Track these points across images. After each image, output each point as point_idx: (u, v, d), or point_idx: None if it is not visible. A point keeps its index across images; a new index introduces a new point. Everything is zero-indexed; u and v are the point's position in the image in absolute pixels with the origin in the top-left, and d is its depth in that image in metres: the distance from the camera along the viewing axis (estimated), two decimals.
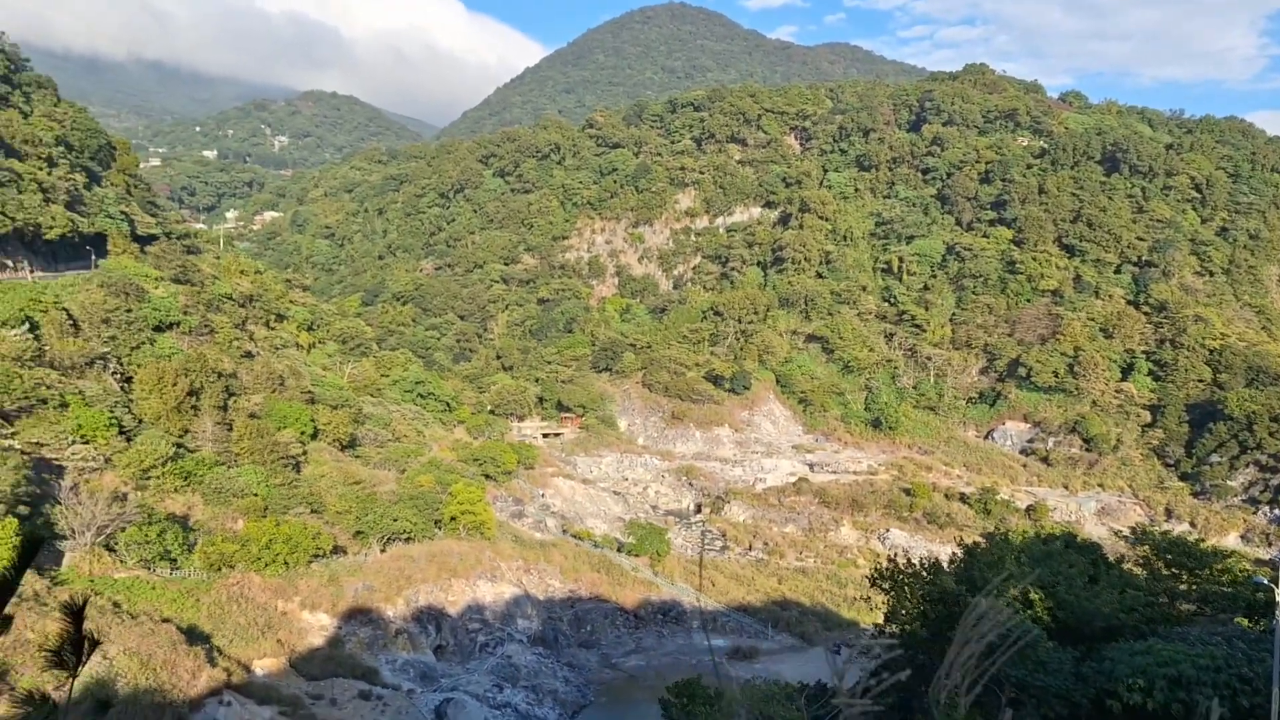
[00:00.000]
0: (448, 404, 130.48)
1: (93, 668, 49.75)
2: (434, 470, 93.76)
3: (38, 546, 2.80)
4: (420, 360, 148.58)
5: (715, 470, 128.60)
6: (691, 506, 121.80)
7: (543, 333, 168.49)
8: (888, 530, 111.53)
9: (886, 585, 39.25)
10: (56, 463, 67.85)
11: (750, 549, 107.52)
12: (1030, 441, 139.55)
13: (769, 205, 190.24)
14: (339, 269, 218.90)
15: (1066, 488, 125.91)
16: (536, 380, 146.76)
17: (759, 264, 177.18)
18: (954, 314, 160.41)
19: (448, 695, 63.87)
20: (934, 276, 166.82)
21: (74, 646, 2.80)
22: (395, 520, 79.51)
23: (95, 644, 2.81)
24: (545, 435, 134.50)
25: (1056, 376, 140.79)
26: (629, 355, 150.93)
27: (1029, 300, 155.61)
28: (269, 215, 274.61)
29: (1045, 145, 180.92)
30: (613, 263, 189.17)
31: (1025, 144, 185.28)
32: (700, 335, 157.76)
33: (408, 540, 79.78)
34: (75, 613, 2.83)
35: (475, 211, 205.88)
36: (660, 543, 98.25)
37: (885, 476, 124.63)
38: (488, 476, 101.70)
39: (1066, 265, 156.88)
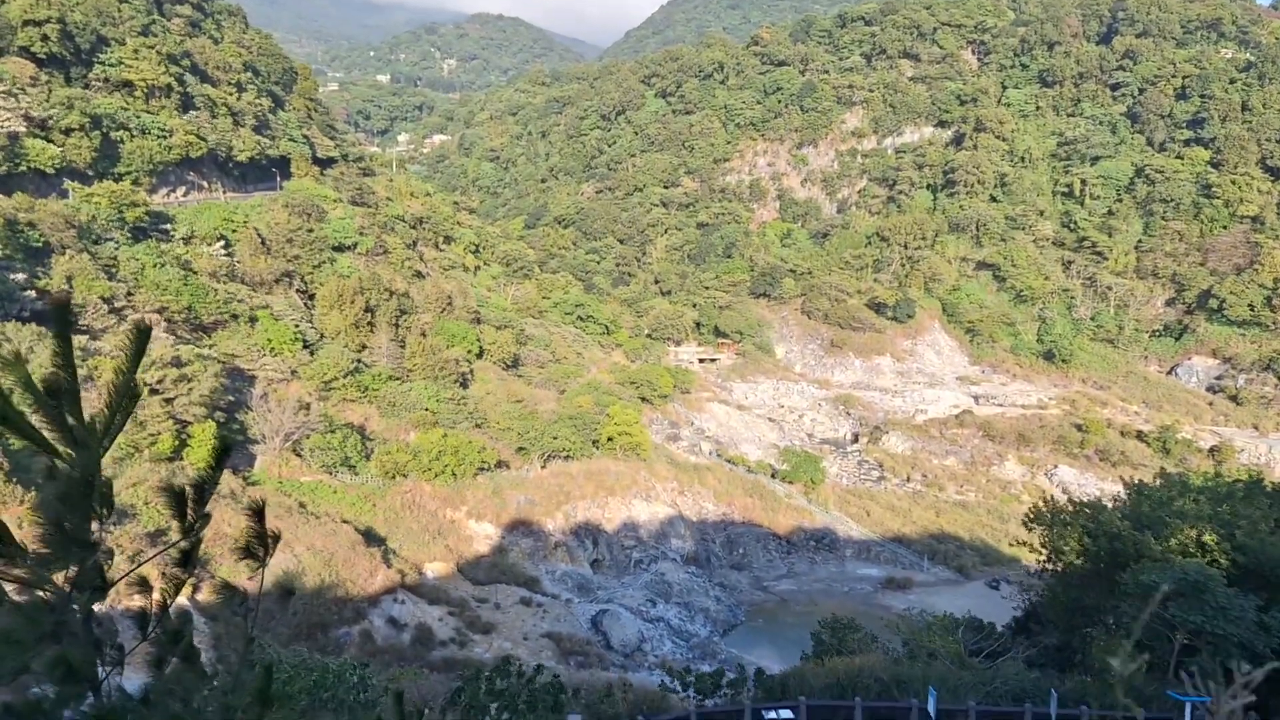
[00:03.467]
0: (606, 327, 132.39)
1: (282, 563, 53.96)
2: (592, 392, 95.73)
3: (228, 452, 2.59)
4: (580, 283, 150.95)
5: (874, 400, 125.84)
6: (848, 436, 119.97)
7: (701, 257, 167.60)
8: (1055, 467, 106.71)
9: (1044, 525, 37.65)
10: (249, 372, 73.12)
11: (908, 480, 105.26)
12: (1218, 378, 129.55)
13: (941, 125, 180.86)
14: (503, 192, 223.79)
15: (1257, 428, 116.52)
16: (694, 305, 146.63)
17: (928, 187, 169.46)
18: (1140, 241, 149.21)
19: (604, 607, 66.04)
20: (1119, 200, 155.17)
21: (259, 541, 2.67)
22: (555, 438, 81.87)
23: (277, 539, 2.65)
24: (701, 360, 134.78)
25: (1252, 310, 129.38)
26: (788, 281, 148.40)
27: (1225, 227, 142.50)
28: (438, 138, 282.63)
29: (1252, 58, 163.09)
30: (774, 186, 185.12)
31: (1229, 56, 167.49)
32: (863, 261, 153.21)
33: (567, 458, 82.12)
34: (257, 512, 2.66)
35: (636, 134, 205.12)
36: (815, 470, 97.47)
37: (1056, 411, 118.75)
38: (644, 399, 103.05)
39: (1270, 189, 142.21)
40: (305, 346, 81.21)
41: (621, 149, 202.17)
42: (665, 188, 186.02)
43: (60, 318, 2.46)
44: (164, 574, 2.53)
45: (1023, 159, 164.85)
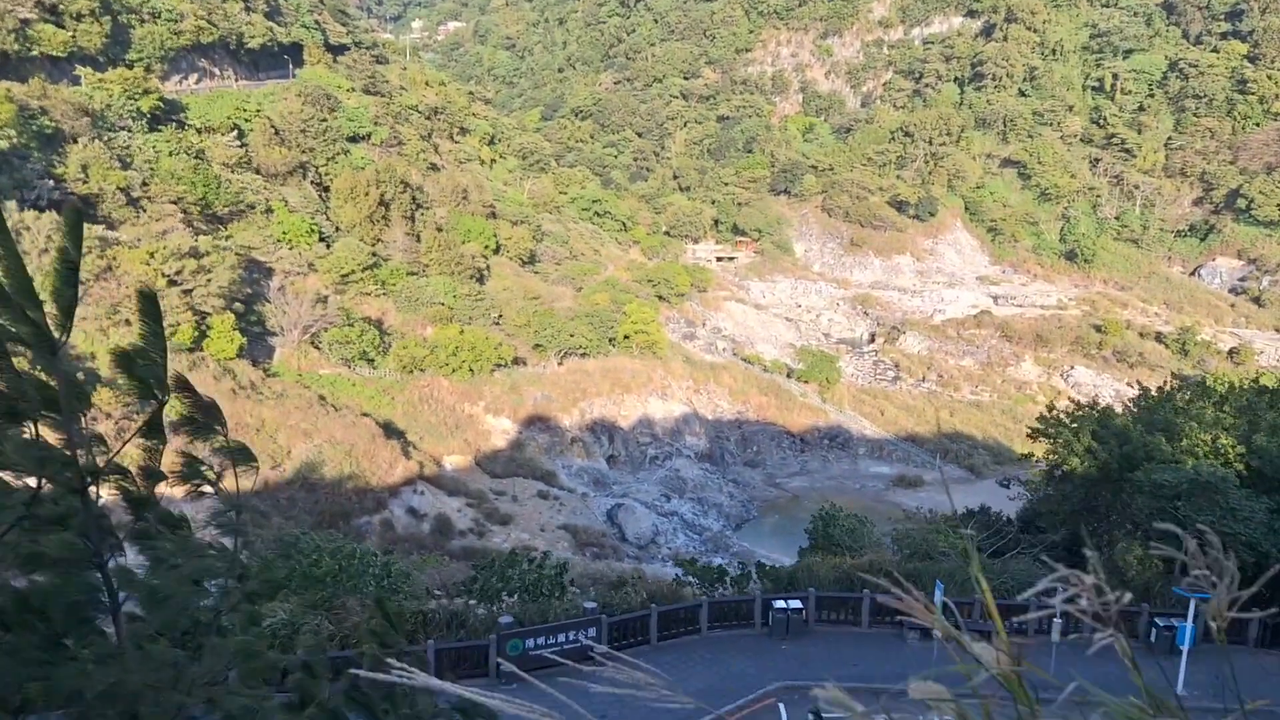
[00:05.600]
0: (624, 224, 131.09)
1: (303, 453, 54.96)
2: (609, 289, 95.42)
3: (155, 301, 2.48)
4: (598, 178, 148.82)
5: (892, 299, 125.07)
6: (865, 335, 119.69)
7: (721, 152, 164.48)
8: (1072, 368, 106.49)
9: (1052, 432, 37.59)
10: (266, 265, 73.09)
11: (923, 380, 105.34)
12: (1242, 280, 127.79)
13: (971, 14, 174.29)
14: (519, 82, 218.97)
15: (1279, 330, 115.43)
16: (713, 202, 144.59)
17: (956, 80, 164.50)
18: (1170, 138, 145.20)
19: (619, 500, 67.31)
20: (1151, 96, 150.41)
21: (202, 411, 2.58)
22: (572, 335, 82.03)
23: (215, 406, 2.56)
24: (719, 259, 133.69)
25: None
26: (809, 178, 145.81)
27: (1258, 124, 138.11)
28: (452, 25, 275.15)
29: None
30: (797, 78, 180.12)
31: None
32: (886, 157, 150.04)
33: (583, 355, 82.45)
34: (183, 385, 2.54)
35: (656, 21, 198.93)
36: (830, 370, 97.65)
37: (1075, 311, 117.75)
38: (661, 298, 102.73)
39: None
40: (321, 239, 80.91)
41: (641, 37, 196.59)
42: (685, 79, 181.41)
43: None
44: (142, 448, 2.43)
45: (1054, 51, 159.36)
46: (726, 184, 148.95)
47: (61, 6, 77.66)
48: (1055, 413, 38.93)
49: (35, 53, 74.68)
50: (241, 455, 2.58)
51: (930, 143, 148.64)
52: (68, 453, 2.22)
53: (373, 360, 71.68)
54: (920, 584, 27.46)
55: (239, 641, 2.65)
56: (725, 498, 73.46)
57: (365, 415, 63.66)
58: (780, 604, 26.38)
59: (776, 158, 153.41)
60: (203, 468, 2.51)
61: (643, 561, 53.58)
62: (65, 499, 2.46)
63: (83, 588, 2.58)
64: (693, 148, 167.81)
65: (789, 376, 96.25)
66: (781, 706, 22.00)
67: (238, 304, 65.08)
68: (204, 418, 2.41)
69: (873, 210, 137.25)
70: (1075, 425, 36.40)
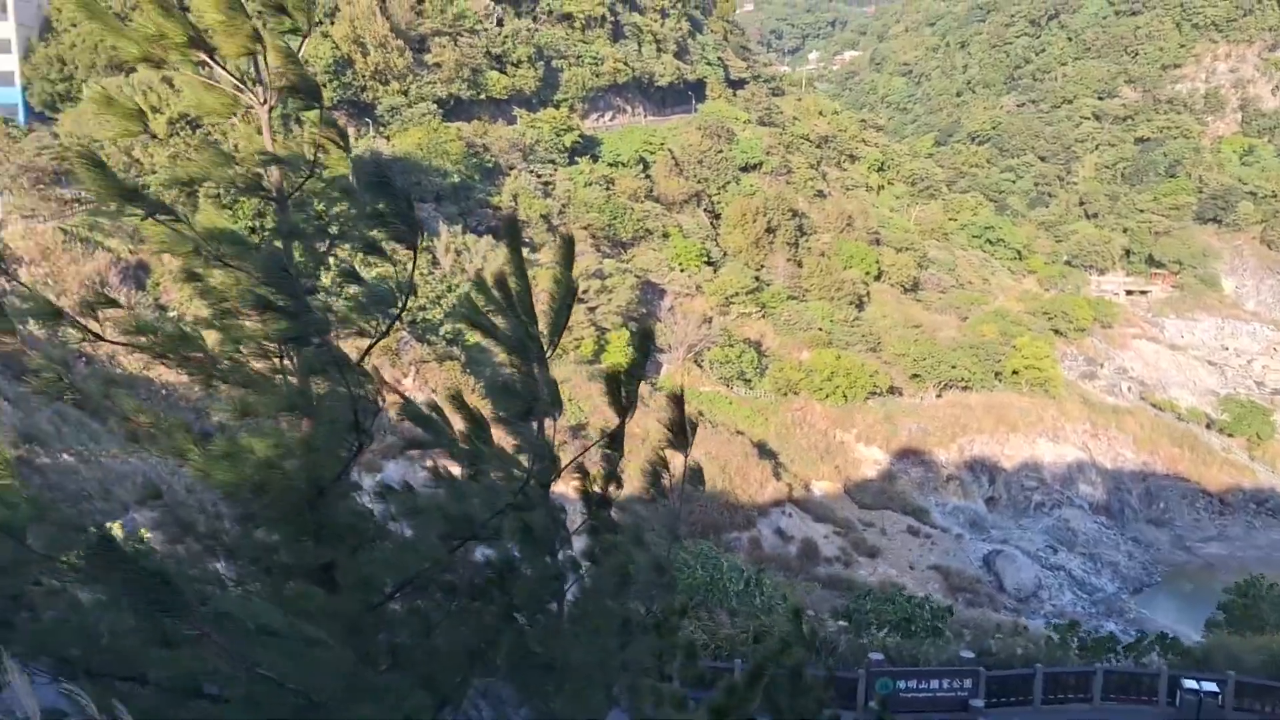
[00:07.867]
0: (1018, 252, 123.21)
1: (680, 466, 57.94)
2: (998, 320, 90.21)
3: (650, 338, 2.84)
4: (991, 204, 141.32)
5: None
6: None
7: (1137, 177, 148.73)
8: None
9: None
10: (659, 286, 78.24)
11: None
12: None
13: None
14: (913, 108, 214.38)
15: None
16: (1124, 230, 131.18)
17: None
18: None
19: (997, 547, 63.14)
20: None
21: (681, 427, 2.90)
22: (953, 367, 78.62)
23: (695, 427, 2.86)
24: (1129, 292, 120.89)
25: None
26: (1246, 205, 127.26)
27: None
28: (848, 55, 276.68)
29: None
30: (1236, 95, 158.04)
31: None
32: None
33: (964, 388, 78.65)
34: (677, 400, 2.86)
35: (1070, 39, 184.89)
36: (1263, 424, 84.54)
37: None
38: (1057, 332, 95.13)
39: None
40: (709, 263, 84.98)
41: (1051, 57, 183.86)
42: (1099, 98, 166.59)
43: (511, 231, 2.77)
44: (603, 457, 2.74)
45: None
46: (1142, 211, 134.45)
47: (505, 55, 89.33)
48: None
49: (482, 96, 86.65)
50: (696, 476, 2.83)
51: None
52: (547, 450, 2.58)
53: (749, 380, 73.75)
54: None
55: (663, 642, 2.89)
56: (1123, 557, 66.17)
57: (739, 434, 65.60)
58: (1191, 683, 23.19)
59: (1206, 182, 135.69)
60: (663, 478, 2.77)
61: (1022, 615, 49.76)
62: (534, 491, 2.86)
63: (542, 568, 2.97)
64: (1103, 172, 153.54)
65: (1208, 428, 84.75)
66: None
67: (633, 321, 70.30)
68: (682, 433, 2.68)
69: None
70: None
